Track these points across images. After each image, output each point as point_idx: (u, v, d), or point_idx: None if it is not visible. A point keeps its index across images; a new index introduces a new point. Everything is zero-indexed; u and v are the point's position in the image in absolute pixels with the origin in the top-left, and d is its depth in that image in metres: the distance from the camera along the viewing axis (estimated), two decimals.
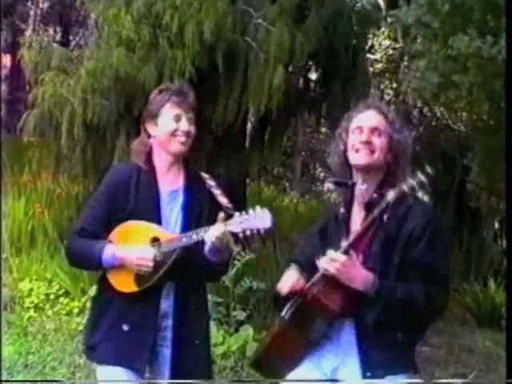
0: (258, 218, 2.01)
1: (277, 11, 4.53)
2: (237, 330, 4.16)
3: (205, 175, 2.32)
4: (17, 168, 6.92)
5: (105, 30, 4.92)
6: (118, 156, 4.46)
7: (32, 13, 12.26)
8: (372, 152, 2.09)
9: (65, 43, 11.32)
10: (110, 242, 2.19)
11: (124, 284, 2.20)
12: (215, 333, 4.07)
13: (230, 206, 2.19)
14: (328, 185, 2.34)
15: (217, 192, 2.24)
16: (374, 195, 2.05)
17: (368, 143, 2.09)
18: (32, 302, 4.81)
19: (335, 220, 2.18)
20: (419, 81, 3.72)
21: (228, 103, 4.66)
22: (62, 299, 4.86)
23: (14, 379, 3.63)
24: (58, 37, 13.04)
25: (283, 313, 2.12)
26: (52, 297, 4.91)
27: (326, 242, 2.17)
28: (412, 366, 2.12)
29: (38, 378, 3.71)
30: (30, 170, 6.79)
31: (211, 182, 2.28)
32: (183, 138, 2.21)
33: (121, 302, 2.21)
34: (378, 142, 2.10)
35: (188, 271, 2.18)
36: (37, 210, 6.03)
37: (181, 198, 2.25)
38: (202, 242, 2.10)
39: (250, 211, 2.03)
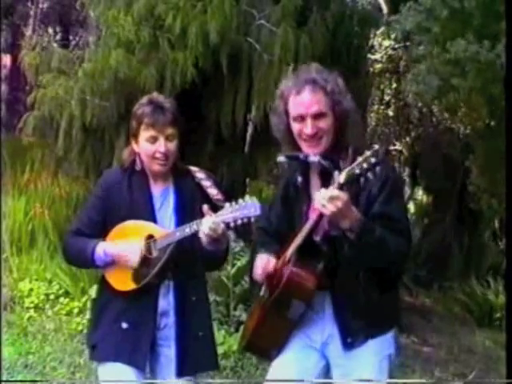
0: (248, 207, 2.04)
1: (280, 12, 4.52)
2: (237, 330, 4.15)
3: (193, 169, 2.33)
4: (17, 168, 6.92)
5: (104, 32, 4.91)
6: (118, 157, 4.45)
7: (32, 13, 12.25)
8: (320, 138, 2.02)
9: (65, 43, 11.30)
10: (106, 240, 2.24)
11: (122, 283, 2.23)
12: (215, 333, 4.07)
13: (219, 197, 2.22)
14: (280, 158, 2.29)
15: (206, 184, 2.27)
16: (327, 162, 2.00)
17: (315, 134, 2.01)
18: (32, 302, 4.80)
19: (295, 188, 2.16)
20: (420, 85, 3.71)
21: (233, 104, 4.65)
22: (62, 299, 4.86)
23: (13, 379, 3.62)
24: (58, 37, 13.03)
25: (261, 292, 2.13)
26: (52, 297, 4.91)
27: (288, 209, 2.17)
28: (394, 322, 2.14)
29: (38, 378, 3.71)
30: (31, 170, 6.82)
31: (200, 175, 2.31)
32: (162, 161, 2.21)
33: (119, 301, 2.24)
34: (324, 124, 2.01)
35: (185, 263, 2.21)
36: (37, 210, 6.02)
37: (172, 195, 2.28)
38: (196, 235, 2.12)
39: (240, 201, 2.06)
